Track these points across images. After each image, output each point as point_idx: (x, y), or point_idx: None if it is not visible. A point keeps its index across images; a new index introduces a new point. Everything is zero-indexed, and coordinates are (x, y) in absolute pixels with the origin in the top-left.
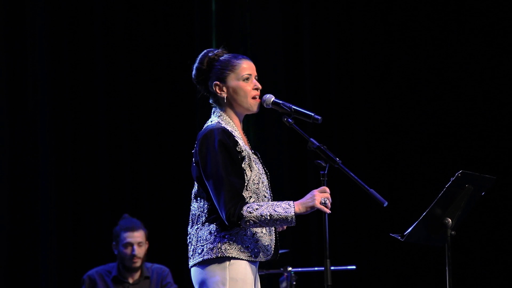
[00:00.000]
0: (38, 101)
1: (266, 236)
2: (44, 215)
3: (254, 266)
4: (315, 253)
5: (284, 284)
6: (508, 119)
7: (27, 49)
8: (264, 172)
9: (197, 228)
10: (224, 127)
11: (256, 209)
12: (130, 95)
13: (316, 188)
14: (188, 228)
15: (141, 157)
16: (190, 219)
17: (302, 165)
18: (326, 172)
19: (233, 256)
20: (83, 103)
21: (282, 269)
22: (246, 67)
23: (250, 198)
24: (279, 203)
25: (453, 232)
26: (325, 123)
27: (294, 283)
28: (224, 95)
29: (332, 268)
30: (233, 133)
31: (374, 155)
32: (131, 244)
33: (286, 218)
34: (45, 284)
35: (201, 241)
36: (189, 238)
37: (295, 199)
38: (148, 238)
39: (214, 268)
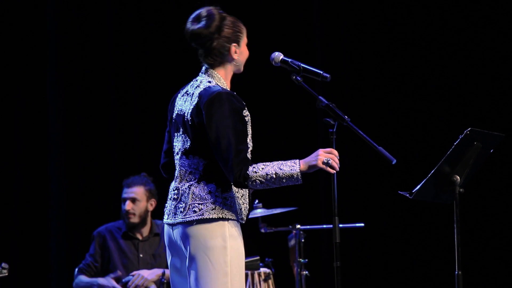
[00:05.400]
0: (47, 57)
1: (245, 199)
2: (54, 170)
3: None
4: (324, 210)
5: (292, 242)
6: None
7: None
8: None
9: (191, 185)
10: (230, 91)
11: (262, 168)
12: (141, 58)
13: (325, 147)
14: (174, 183)
15: (153, 114)
16: (178, 175)
17: (312, 124)
18: (334, 130)
19: (230, 217)
20: (94, 62)
21: (290, 226)
22: (246, 31)
23: None
24: (285, 162)
25: (461, 190)
26: (334, 81)
27: (303, 240)
28: (237, 57)
29: (340, 225)
30: None
31: (383, 113)
32: (125, 200)
33: (292, 175)
34: (55, 241)
35: (199, 200)
36: (176, 194)
37: (303, 156)
38: (155, 196)
39: (214, 227)
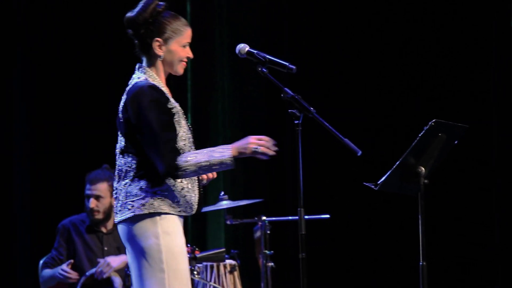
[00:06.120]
0: (15, 49)
1: (191, 191)
2: (18, 163)
3: (181, 220)
4: (289, 202)
5: (258, 233)
6: (479, 67)
7: None
8: (188, 128)
9: (126, 184)
10: (154, 84)
11: (192, 157)
12: (109, 48)
13: (292, 139)
14: (115, 183)
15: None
16: (116, 175)
17: (279, 115)
18: (300, 121)
19: (165, 211)
20: (60, 53)
21: (256, 218)
22: (189, 35)
23: None
24: (214, 148)
25: (426, 181)
26: (300, 73)
27: (268, 232)
28: (161, 54)
29: (306, 217)
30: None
31: (348, 104)
32: (89, 197)
33: (223, 162)
34: (20, 234)
35: (131, 197)
36: (116, 193)
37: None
38: None
39: (145, 223)
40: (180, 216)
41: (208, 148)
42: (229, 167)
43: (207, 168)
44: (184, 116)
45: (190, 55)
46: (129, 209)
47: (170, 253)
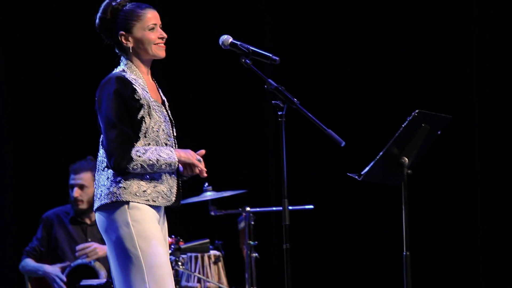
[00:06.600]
0: None
1: (165, 182)
2: (0, 153)
3: (156, 210)
4: (273, 193)
5: (242, 224)
6: (462, 57)
7: None
8: (167, 120)
9: (99, 174)
10: (123, 75)
11: (143, 153)
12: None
13: (275, 130)
14: (95, 174)
15: None
16: (97, 166)
17: (260, 106)
18: (284, 112)
19: (129, 200)
20: (39, 45)
21: (240, 209)
22: (151, 17)
23: (149, 145)
24: (161, 148)
25: (409, 171)
26: (283, 65)
27: (252, 222)
28: (130, 45)
29: (290, 207)
30: (134, 81)
31: (331, 95)
32: (73, 186)
33: (170, 164)
34: (2, 224)
35: (100, 186)
36: (95, 183)
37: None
38: None
39: (115, 213)
40: (152, 206)
41: (156, 147)
42: (172, 170)
43: (154, 166)
44: (162, 108)
45: (163, 34)
46: (98, 198)
47: (142, 238)
